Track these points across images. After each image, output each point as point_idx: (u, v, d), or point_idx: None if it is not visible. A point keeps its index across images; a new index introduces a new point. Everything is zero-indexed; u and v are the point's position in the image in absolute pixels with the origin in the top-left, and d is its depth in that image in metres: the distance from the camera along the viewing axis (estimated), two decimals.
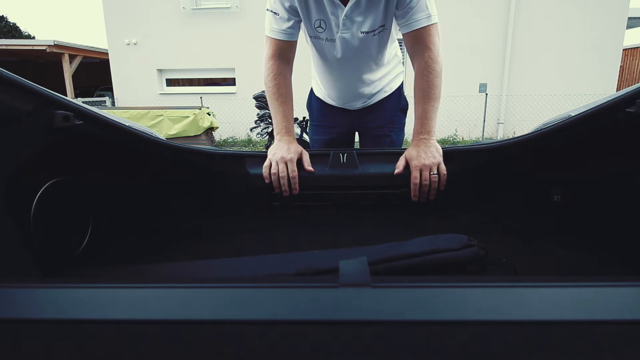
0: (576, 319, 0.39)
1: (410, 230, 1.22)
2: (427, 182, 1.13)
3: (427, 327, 0.39)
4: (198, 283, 0.48)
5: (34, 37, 25.54)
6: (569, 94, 7.49)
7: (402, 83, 1.62)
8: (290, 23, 1.27)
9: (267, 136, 3.08)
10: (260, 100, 3.12)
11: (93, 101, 9.54)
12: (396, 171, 1.18)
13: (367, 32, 1.28)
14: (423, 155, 1.14)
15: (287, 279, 0.75)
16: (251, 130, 3.11)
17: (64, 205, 1.00)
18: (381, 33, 1.30)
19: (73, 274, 0.94)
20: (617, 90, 4.79)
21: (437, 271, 0.82)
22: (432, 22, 1.18)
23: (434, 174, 1.13)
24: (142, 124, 1.42)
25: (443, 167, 1.14)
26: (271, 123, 3.08)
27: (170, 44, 8.54)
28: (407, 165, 1.18)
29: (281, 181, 1.16)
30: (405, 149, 1.26)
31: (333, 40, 1.33)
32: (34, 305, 0.44)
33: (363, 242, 0.98)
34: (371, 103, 1.56)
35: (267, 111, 3.10)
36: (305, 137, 2.92)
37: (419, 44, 1.21)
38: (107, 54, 8.99)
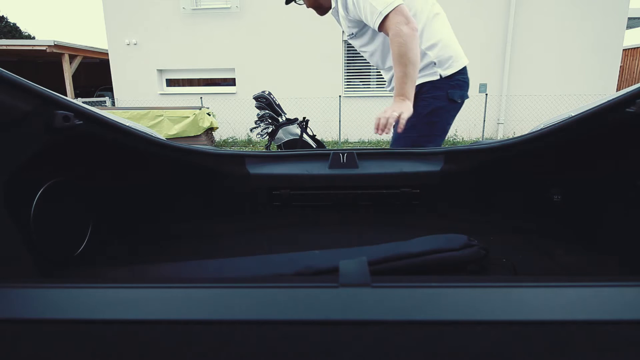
0: (576, 319, 0.39)
1: (410, 230, 1.22)
2: (384, 117, 1.32)
3: (427, 327, 0.39)
4: (198, 283, 0.48)
5: (34, 37, 25.50)
6: (569, 94, 7.48)
7: (424, 84, 1.58)
8: None
9: (267, 136, 3.07)
10: (260, 101, 3.11)
11: (93, 101, 9.54)
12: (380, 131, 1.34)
13: (349, 35, 1.63)
14: (393, 107, 1.36)
15: (287, 279, 0.75)
16: (251, 130, 3.09)
17: (63, 205, 1.00)
18: (359, 38, 1.61)
19: (73, 274, 0.94)
20: (617, 90, 4.78)
21: (437, 271, 0.82)
22: (385, 15, 1.37)
23: (395, 114, 1.31)
24: (142, 124, 1.42)
25: (404, 116, 1.33)
26: (271, 123, 3.06)
27: (170, 44, 8.53)
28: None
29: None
30: (407, 149, 1.27)
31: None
32: (34, 305, 0.44)
33: (363, 242, 0.98)
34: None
35: (266, 111, 3.08)
36: (306, 137, 2.90)
37: (387, 34, 1.42)
38: (107, 54, 8.97)
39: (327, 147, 2.85)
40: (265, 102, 3.10)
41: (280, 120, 3.07)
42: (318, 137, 3.13)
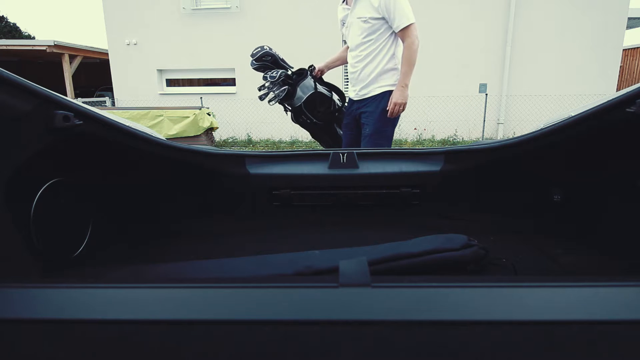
0: (576, 319, 0.39)
1: (410, 230, 1.22)
2: (398, 104, 2.04)
3: (427, 327, 0.39)
4: (198, 283, 0.48)
5: (34, 37, 25.44)
6: (569, 94, 7.48)
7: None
8: None
9: (280, 100, 2.38)
10: (265, 59, 2.48)
11: (93, 101, 9.53)
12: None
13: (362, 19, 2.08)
14: (401, 95, 2.04)
15: (287, 279, 0.75)
16: (261, 98, 2.41)
17: (63, 205, 1.00)
18: (366, 24, 2.05)
19: (73, 274, 0.94)
20: (617, 90, 4.78)
21: (437, 271, 0.82)
22: (409, 24, 1.96)
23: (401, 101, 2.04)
24: (142, 124, 1.42)
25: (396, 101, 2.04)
26: (286, 82, 2.35)
27: (170, 44, 8.53)
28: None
29: None
30: (409, 148, 1.28)
31: None
32: (34, 305, 0.44)
33: (363, 242, 0.98)
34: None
35: (282, 71, 2.40)
36: (320, 88, 2.36)
37: (403, 39, 2.03)
38: (107, 54, 8.97)
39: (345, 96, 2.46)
40: (271, 60, 2.46)
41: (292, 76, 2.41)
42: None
